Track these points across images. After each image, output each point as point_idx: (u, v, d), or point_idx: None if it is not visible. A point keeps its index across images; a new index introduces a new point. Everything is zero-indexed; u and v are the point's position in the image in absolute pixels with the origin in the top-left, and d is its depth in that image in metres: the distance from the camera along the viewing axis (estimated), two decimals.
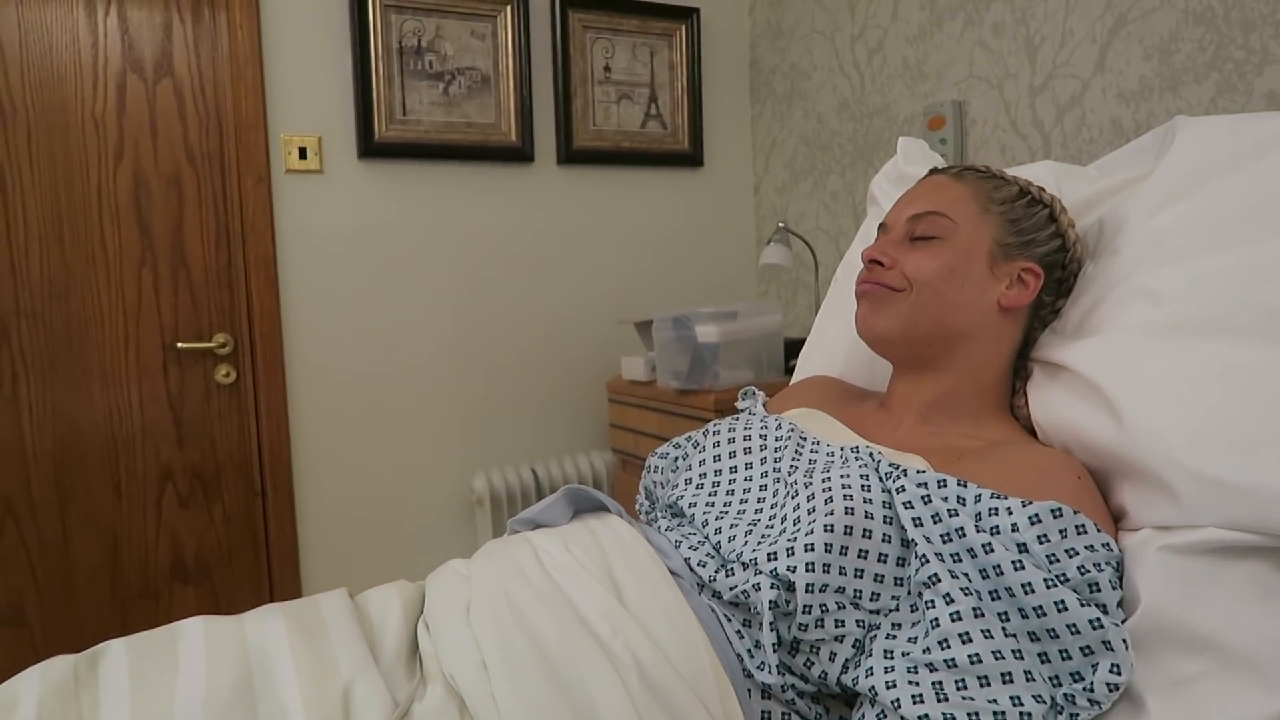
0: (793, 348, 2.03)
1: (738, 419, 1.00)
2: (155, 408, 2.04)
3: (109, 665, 0.72)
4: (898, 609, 0.74)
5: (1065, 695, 0.66)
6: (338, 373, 2.18)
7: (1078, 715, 0.66)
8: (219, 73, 2.03)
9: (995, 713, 0.64)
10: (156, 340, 2.03)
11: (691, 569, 0.82)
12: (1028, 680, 0.65)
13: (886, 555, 0.75)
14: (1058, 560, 0.70)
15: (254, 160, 2.05)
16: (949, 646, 0.67)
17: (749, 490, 0.89)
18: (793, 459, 0.89)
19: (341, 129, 2.14)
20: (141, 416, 2.03)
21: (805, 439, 0.92)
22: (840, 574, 0.74)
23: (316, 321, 2.15)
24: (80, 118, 1.92)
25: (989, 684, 0.65)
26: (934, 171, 1.01)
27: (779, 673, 0.72)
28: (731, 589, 0.77)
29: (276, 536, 2.14)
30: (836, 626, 0.73)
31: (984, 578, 0.70)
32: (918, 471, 0.79)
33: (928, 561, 0.71)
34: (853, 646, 0.73)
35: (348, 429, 2.20)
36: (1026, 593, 0.68)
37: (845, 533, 0.74)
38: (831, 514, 0.75)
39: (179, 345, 2.04)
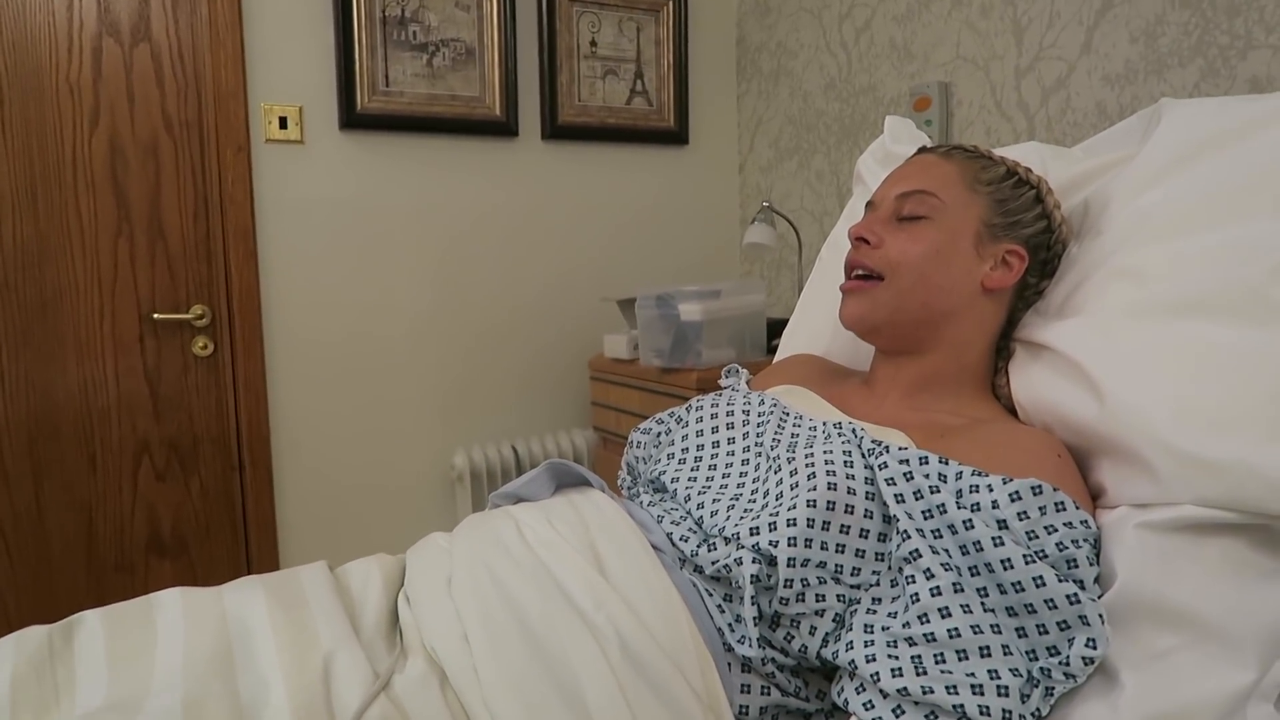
0: (776, 327, 2.03)
1: (721, 395, 1.01)
2: (131, 380, 2.01)
3: (85, 636, 0.71)
4: (878, 584, 0.75)
5: (1042, 669, 0.67)
6: (317, 346, 2.16)
7: (1054, 689, 0.67)
8: (198, 39, 1.99)
9: (973, 686, 0.64)
10: (133, 311, 2.00)
11: (673, 543, 0.82)
12: (1005, 654, 0.66)
13: (868, 531, 0.75)
14: (1037, 537, 0.71)
15: (233, 129, 2.01)
16: (928, 621, 0.67)
17: (731, 465, 0.90)
18: (775, 434, 0.89)
19: (323, 99, 2.11)
20: (117, 389, 2.00)
21: (788, 414, 0.93)
22: (822, 549, 0.74)
23: (296, 294, 2.13)
24: (54, 82, 1.88)
25: (967, 658, 0.66)
26: (922, 150, 1.01)
27: (759, 646, 0.73)
28: (713, 563, 0.77)
29: (254, 511, 2.12)
30: (817, 601, 0.74)
31: (964, 554, 0.71)
32: (900, 449, 0.79)
33: (909, 537, 0.72)
34: (833, 621, 0.74)
35: (327, 403, 2.19)
36: (1005, 568, 0.69)
37: (828, 508, 0.75)
38: (814, 490, 0.75)
39: (155, 317, 2.01)
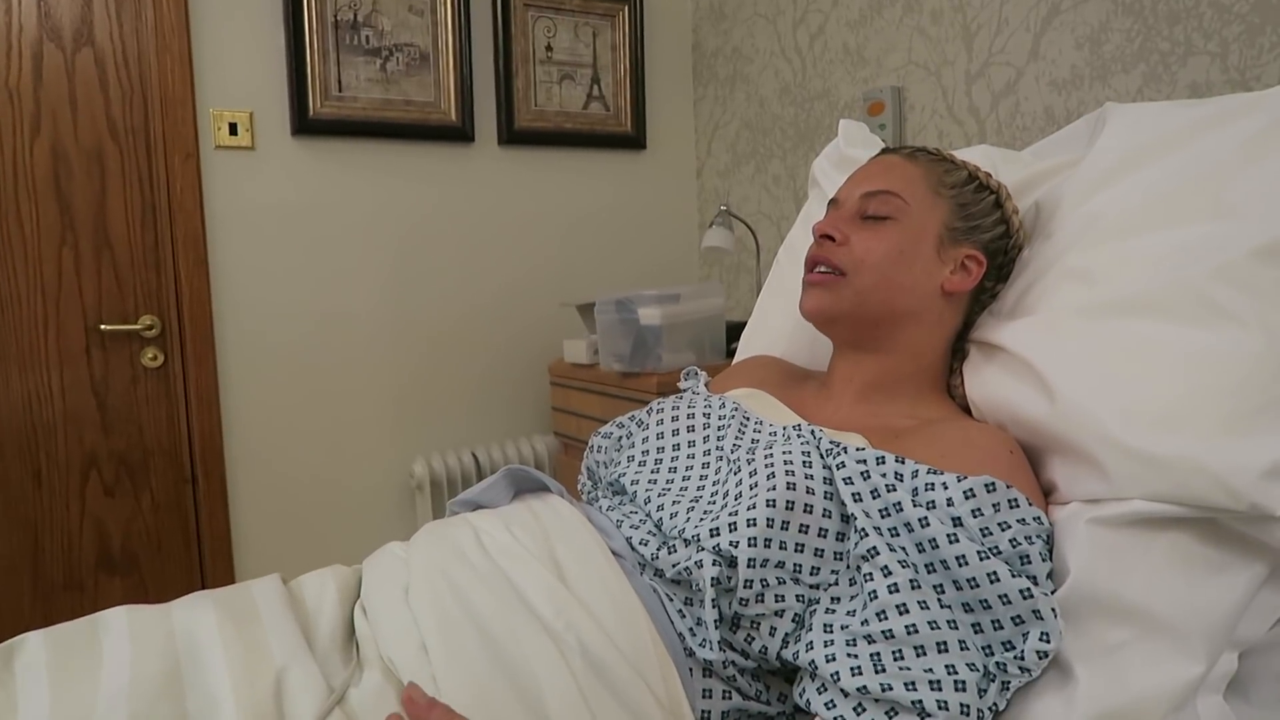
0: (734, 331, 2.04)
1: (681, 398, 1.00)
2: (78, 393, 1.96)
3: (26, 659, 0.69)
4: (837, 583, 0.75)
5: (997, 664, 0.68)
6: (272, 356, 2.12)
7: (1009, 683, 0.68)
8: (143, 44, 1.95)
9: (931, 682, 0.65)
10: (78, 322, 1.95)
11: (633, 548, 0.82)
12: (962, 650, 0.67)
13: (827, 530, 0.76)
14: (991, 533, 0.72)
15: (181, 136, 1.97)
16: (886, 618, 0.68)
17: (691, 468, 0.90)
18: (735, 438, 0.90)
19: (274, 105, 2.08)
20: (63, 402, 1.95)
21: (749, 418, 0.93)
22: (781, 549, 0.74)
23: (249, 303, 2.09)
24: None
25: (925, 654, 0.66)
26: (886, 150, 1.01)
27: (720, 649, 0.73)
28: (674, 566, 0.77)
29: (208, 524, 2.08)
30: (777, 601, 0.74)
31: (920, 551, 0.72)
32: (857, 449, 0.80)
33: (866, 535, 0.72)
34: (792, 621, 0.74)
35: (283, 413, 2.15)
36: (961, 565, 0.69)
37: (787, 508, 0.75)
38: (773, 489, 0.75)
39: (102, 327, 1.97)
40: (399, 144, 2.24)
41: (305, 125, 2.08)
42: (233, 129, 2.03)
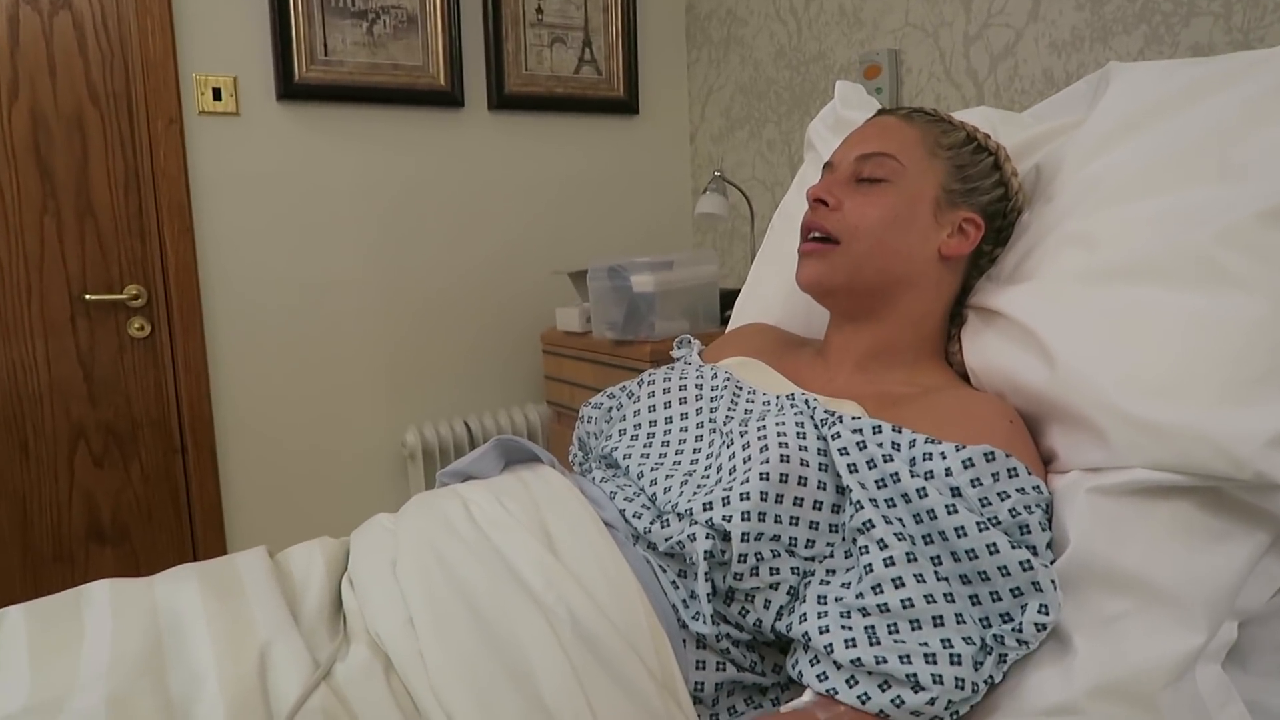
0: (728, 298, 2.02)
1: (673, 368, 0.99)
2: (64, 363, 1.93)
3: (6, 633, 0.68)
4: (832, 555, 0.74)
5: (995, 636, 0.67)
6: (260, 325, 2.10)
7: (1006, 655, 0.67)
8: (122, 6, 1.90)
9: (926, 655, 0.64)
10: (62, 292, 1.92)
11: (627, 520, 0.80)
12: (958, 622, 0.66)
13: (822, 503, 0.74)
14: (990, 503, 0.70)
15: (164, 101, 1.93)
16: (882, 591, 0.67)
17: (684, 441, 0.88)
18: (728, 409, 0.88)
19: (259, 69, 2.03)
20: (49, 373, 1.92)
21: (741, 389, 0.91)
22: (776, 522, 0.73)
23: (236, 272, 2.06)
24: None
25: (920, 627, 0.65)
26: (882, 112, 0.99)
27: (714, 622, 0.72)
28: (667, 540, 0.75)
29: (199, 495, 2.06)
30: (771, 575, 0.73)
31: (918, 522, 0.70)
32: (853, 418, 0.78)
33: (862, 507, 0.71)
34: (787, 594, 0.73)
35: (273, 383, 2.13)
36: (959, 536, 0.68)
37: (781, 481, 0.73)
38: (767, 462, 0.74)
39: (87, 297, 1.93)
40: (387, 109, 2.19)
41: (291, 90, 2.04)
42: (216, 94, 1.98)
